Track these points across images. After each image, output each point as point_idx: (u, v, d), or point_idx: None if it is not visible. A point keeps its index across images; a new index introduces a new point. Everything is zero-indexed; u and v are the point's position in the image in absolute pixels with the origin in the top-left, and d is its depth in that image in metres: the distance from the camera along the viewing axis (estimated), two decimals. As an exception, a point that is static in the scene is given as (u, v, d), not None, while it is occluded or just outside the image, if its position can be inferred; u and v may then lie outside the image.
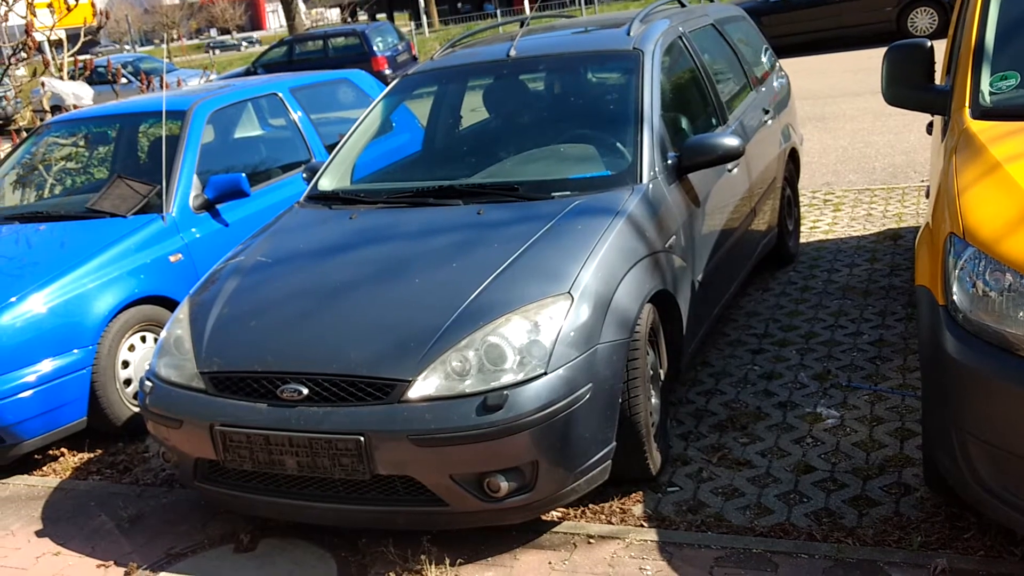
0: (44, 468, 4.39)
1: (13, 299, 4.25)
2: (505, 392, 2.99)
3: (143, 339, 4.70)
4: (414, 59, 21.45)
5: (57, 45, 8.46)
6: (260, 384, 3.26)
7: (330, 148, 6.20)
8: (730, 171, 4.59)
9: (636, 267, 3.49)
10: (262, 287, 3.70)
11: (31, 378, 4.19)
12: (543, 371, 3.05)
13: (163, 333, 3.71)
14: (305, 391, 3.17)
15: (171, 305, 4.84)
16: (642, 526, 3.29)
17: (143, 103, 6.07)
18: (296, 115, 6.16)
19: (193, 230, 5.07)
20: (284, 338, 3.35)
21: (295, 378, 3.21)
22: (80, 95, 7.70)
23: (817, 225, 6.91)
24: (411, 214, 3.98)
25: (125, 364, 4.58)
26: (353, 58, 19.00)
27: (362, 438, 3.04)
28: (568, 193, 3.84)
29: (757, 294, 5.57)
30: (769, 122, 5.48)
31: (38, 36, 7.57)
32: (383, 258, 3.65)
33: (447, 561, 3.16)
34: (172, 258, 4.91)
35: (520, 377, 3.03)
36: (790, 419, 3.97)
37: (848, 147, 9.53)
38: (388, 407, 3.06)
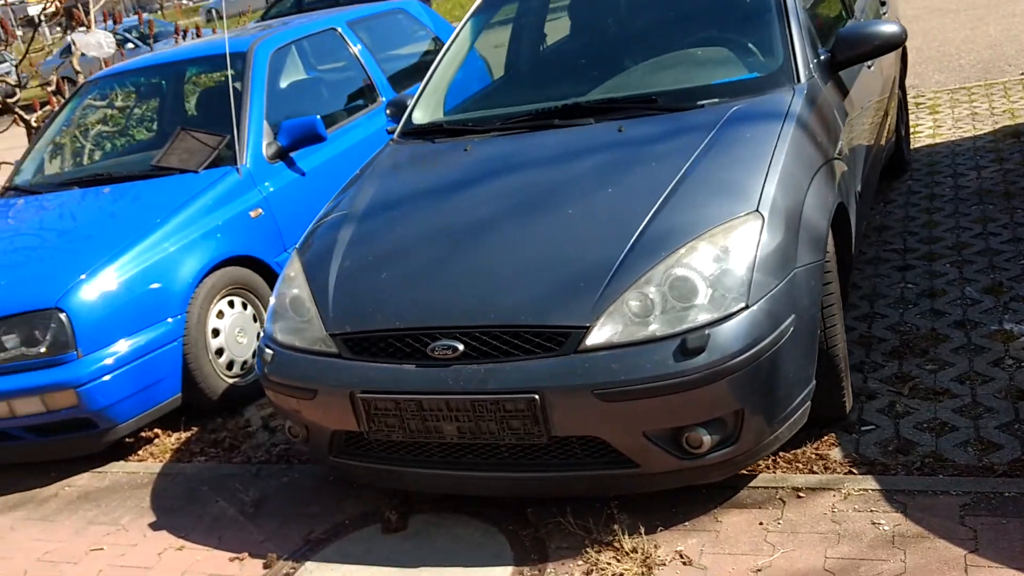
0: (140, 452, 4.00)
1: (88, 272, 3.82)
2: (706, 332, 2.54)
3: (231, 304, 4.27)
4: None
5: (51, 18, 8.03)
6: (404, 343, 2.84)
7: (394, 83, 5.72)
8: (869, 67, 4.08)
9: (816, 178, 3.03)
10: (384, 235, 3.25)
11: (120, 355, 3.78)
12: (743, 304, 2.60)
13: (274, 295, 3.28)
14: (460, 347, 2.74)
15: (256, 265, 4.42)
16: (851, 472, 2.86)
17: (190, 50, 5.58)
18: (356, 49, 5.65)
19: (268, 183, 4.61)
20: (427, 289, 2.91)
21: (447, 333, 2.78)
22: (103, 44, 7.18)
23: (918, 130, 6.38)
24: (535, 139, 3.50)
25: (215, 332, 4.17)
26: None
27: (536, 396, 2.61)
28: (716, 100, 3.35)
29: (879, 207, 5.08)
30: (885, 12, 4.95)
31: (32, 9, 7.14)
32: (520, 190, 3.19)
33: (641, 529, 2.75)
34: (252, 213, 4.47)
35: (718, 314, 2.58)
36: (976, 339, 3.52)
37: (922, 47, 8.93)
38: (564, 359, 2.62)
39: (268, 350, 3.12)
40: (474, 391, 2.69)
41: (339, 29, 5.61)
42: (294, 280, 3.24)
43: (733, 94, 3.37)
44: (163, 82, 5.47)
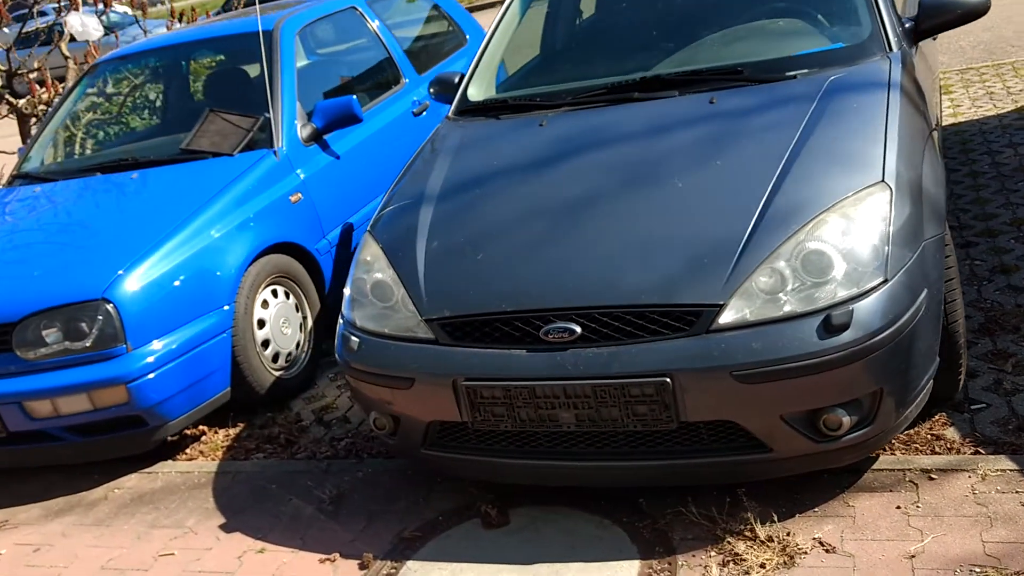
0: (188, 451, 3.78)
1: (133, 260, 3.59)
2: (851, 308, 2.42)
3: (274, 293, 4.07)
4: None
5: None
6: (513, 326, 2.67)
7: (415, 61, 5.53)
8: (934, 38, 4.00)
9: (927, 148, 2.92)
10: (472, 215, 3.07)
11: (171, 348, 3.56)
12: (882, 279, 2.48)
13: (350, 281, 3.09)
14: (578, 330, 2.58)
15: (297, 253, 4.21)
16: (979, 452, 2.76)
17: (208, 29, 5.32)
18: (376, 27, 5.45)
19: (304, 166, 4.40)
20: (535, 270, 2.74)
21: (561, 315, 2.62)
22: (87, 24, 6.78)
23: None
24: (616, 112, 3.35)
25: (260, 323, 3.96)
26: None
27: (668, 380, 2.47)
28: (806, 71, 3.23)
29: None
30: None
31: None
32: (617, 164, 3.04)
33: (774, 516, 2.62)
34: (292, 198, 4.26)
35: (857, 289, 2.46)
36: (1066, 314, 3.45)
37: (919, 29, 8.92)
38: (698, 340, 2.48)
39: (353, 337, 2.94)
40: (596, 376, 2.54)
41: (359, 8, 5.40)
42: (373, 264, 3.06)
43: (823, 64, 3.25)
44: (181, 63, 5.22)
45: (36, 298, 3.52)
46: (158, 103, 5.26)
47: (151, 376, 3.49)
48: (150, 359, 3.50)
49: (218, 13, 8.30)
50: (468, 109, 3.83)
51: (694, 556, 2.56)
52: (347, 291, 3.10)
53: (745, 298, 2.49)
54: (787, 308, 2.46)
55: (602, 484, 2.83)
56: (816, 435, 2.51)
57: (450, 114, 3.88)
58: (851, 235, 2.54)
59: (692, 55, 3.58)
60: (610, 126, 3.28)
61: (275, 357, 4.03)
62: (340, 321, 3.09)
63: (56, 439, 3.61)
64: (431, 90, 4.24)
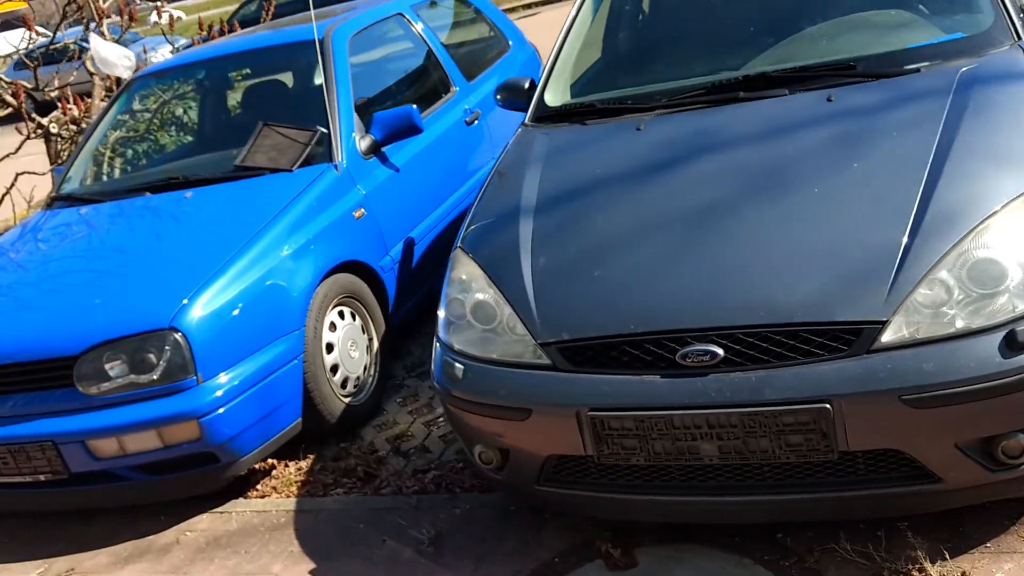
0: (259, 487, 3.54)
1: (200, 286, 3.35)
2: None
3: (341, 315, 3.83)
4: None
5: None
6: (644, 350, 2.43)
7: (463, 69, 5.29)
8: None
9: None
10: (579, 228, 2.83)
11: (243, 378, 3.32)
12: (1065, 288, 2.24)
13: (445, 301, 2.86)
14: (720, 352, 2.34)
15: (362, 271, 3.98)
16: None
17: (250, 40, 5.09)
18: (424, 34, 5.21)
19: (365, 180, 4.17)
20: (665, 286, 2.51)
21: (700, 336, 2.38)
22: (115, 63, 6.41)
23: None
24: (721, 114, 3.11)
25: (329, 347, 3.72)
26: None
27: (828, 406, 2.23)
28: (929, 64, 3.00)
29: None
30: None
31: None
32: (737, 170, 2.80)
33: (944, 553, 2.37)
34: (356, 214, 4.03)
35: None
36: None
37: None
38: (860, 361, 2.24)
39: (457, 364, 2.69)
40: (745, 403, 2.30)
41: (406, 15, 5.17)
42: (471, 283, 2.82)
43: (946, 56, 3.01)
44: (226, 76, 4.98)
45: (98, 329, 3.28)
46: (202, 118, 5.02)
47: (223, 410, 3.25)
48: (221, 391, 3.26)
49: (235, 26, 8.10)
50: (547, 115, 3.60)
51: (857, 600, 2.32)
52: (441, 313, 2.86)
53: (909, 314, 2.25)
54: (959, 324, 2.22)
55: (746, 521, 2.58)
56: (992, 463, 2.26)
57: (527, 121, 3.64)
58: (1020, 239, 2.30)
59: (791, 51, 3.34)
60: (719, 128, 3.04)
61: (343, 383, 3.79)
62: (436, 345, 2.85)
63: (121, 479, 3.37)
64: (497, 96, 4.00)
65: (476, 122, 5.08)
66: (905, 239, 2.34)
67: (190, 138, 4.97)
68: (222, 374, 3.29)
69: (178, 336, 3.22)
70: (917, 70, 2.98)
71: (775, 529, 2.60)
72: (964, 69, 2.89)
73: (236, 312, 3.37)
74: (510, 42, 6.09)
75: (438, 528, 2.99)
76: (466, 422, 2.73)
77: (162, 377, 3.22)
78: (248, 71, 5.01)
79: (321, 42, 4.50)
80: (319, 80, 4.43)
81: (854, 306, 2.28)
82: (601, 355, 2.49)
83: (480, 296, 2.77)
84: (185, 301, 3.28)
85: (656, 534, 2.70)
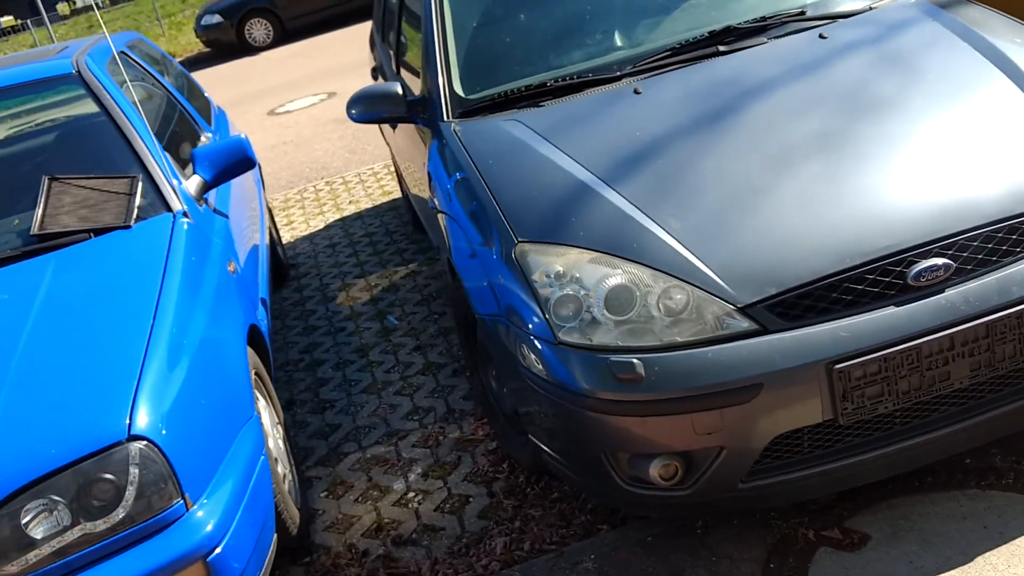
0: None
1: (140, 376, 2.31)
2: None
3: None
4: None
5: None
6: (868, 282, 2.17)
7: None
8: None
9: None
10: (690, 182, 2.45)
11: (232, 489, 2.35)
12: None
13: (552, 303, 2.29)
14: (952, 263, 2.17)
15: (252, 338, 3.08)
16: None
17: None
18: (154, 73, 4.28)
19: (211, 231, 3.27)
20: (857, 212, 2.27)
21: (922, 253, 2.19)
22: None
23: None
24: (722, 65, 2.94)
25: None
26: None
27: (1075, 286, 2.17)
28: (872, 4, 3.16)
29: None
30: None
31: None
32: (817, 101, 2.67)
33: None
34: (230, 268, 3.13)
35: None
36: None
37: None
38: (1089, 236, 2.22)
39: (635, 360, 2.16)
40: (995, 309, 2.15)
41: (140, 46, 4.20)
42: (582, 270, 2.30)
43: (875, -2, 3.19)
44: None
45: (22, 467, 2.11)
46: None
47: (228, 537, 2.26)
48: (219, 513, 2.26)
49: None
50: (473, 109, 3.12)
51: None
52: (549, 316, 2.29)
53: None
54: None
55: (972, 445, 2.34)
56: None
57: (448, 118, 3.12)
58: None
59: (699, 17, 3.28)
60: (739, 75, 2.85)
61: (283, 479, 2.89)
62: (566, 359, 2.27)
63: None
64: (352, 111, 3.38)
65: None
66: (1043, 125, 2.40)
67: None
68: (209, 488, 2.30)
69: (143, 446, 2.18)
70: (870, 8, 3.11)
71: (962, 461, 2.46)
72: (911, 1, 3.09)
73: (196, 403, 2.38)
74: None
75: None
76: (649, 433, 2.20)
77: (135, 512, 2.15)
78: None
79: (76, 75, 3.46)
80: (94, 119, 3.39)
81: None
82: (820, 301, 2.17)
83: (614, 281, 2.27)
84: (134, 398, 2.24)
85: (846, 505, 2.41)
